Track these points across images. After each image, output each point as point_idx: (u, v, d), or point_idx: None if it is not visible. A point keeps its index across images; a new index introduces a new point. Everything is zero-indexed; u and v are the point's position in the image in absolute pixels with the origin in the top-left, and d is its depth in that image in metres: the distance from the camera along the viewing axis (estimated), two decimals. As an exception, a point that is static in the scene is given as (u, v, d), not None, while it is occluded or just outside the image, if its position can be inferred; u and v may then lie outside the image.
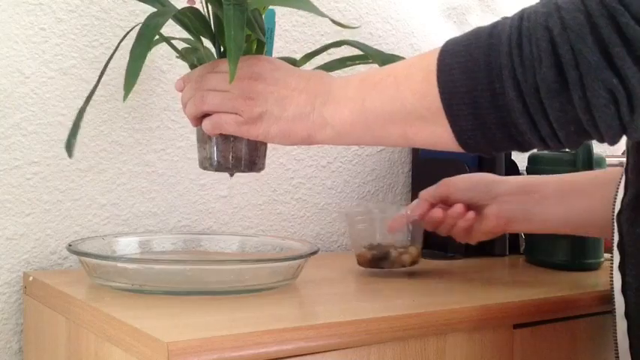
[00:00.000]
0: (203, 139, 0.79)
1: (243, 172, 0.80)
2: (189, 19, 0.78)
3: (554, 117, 0.59)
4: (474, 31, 0.64)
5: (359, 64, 0.88)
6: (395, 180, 1.29)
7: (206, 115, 0.76)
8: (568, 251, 1.06)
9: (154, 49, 1.05)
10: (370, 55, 0.83)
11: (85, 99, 0.78)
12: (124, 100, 0.67)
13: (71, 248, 0.83)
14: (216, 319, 0.70)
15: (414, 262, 0.97)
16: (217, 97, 0.75)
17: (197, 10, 0.78)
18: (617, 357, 0.84)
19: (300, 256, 0.84)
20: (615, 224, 0.83)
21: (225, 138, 0.77)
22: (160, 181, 1.06)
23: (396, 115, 0.68)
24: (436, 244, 1.13)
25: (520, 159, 1.26)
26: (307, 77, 0.75)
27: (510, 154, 1.20)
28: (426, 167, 1.21)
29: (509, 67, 0.59)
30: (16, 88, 0.95)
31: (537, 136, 0.61)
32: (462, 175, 1.00)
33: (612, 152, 1.33)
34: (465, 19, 1.41)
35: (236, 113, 0.74)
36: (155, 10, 0.77)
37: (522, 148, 0.65)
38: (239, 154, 0.78)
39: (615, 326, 0.84)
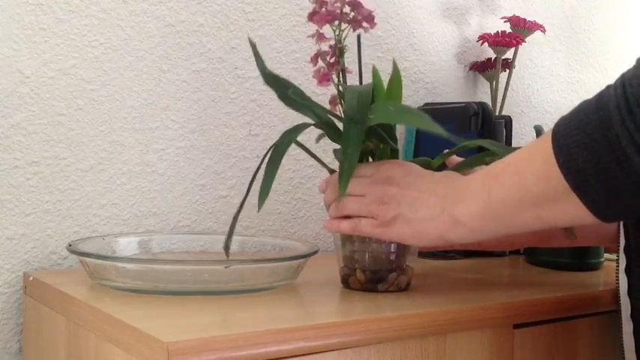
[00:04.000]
0: (344, 237, 0.84)
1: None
2: (325, 128, 0.83)
3: None
4: (581, 108, 0.65)
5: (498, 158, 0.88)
6: (395, 180, 1.29)
7: (347, 215, 0.80)
8: (568, 251, 1.06)
9: (153, 49, 1.05)
10: (501, 155, 0.82)
11: (238, 206, 0.82)
12: (258, 210, 0.74)
13: (71, 248, 0.83)
14: (216, 319, 0.70)
15: (408, 284, 0.86)
16: (355, 202, 0.79)
17: (331, 121, 0.82)
18: (624, 358, 0.84)
19: (300, 256, 0.84)
20: (622, 228, 0.83)
21: (363, 238, 0.83)
22: (160, 181, 1.06)
23: (524, 200, 0.69)
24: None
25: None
26: (437, 179, 0.78)
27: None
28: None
29: (626, 135, 0.60)
30: (16, 88, 0.95)
31: None
32: None
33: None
34: (464, 19, 1.41)
35: (372, 217, 0.78)
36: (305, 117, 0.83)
37: None
38: (376, 254, 0.83)
39: (621, 328, 0.84)
